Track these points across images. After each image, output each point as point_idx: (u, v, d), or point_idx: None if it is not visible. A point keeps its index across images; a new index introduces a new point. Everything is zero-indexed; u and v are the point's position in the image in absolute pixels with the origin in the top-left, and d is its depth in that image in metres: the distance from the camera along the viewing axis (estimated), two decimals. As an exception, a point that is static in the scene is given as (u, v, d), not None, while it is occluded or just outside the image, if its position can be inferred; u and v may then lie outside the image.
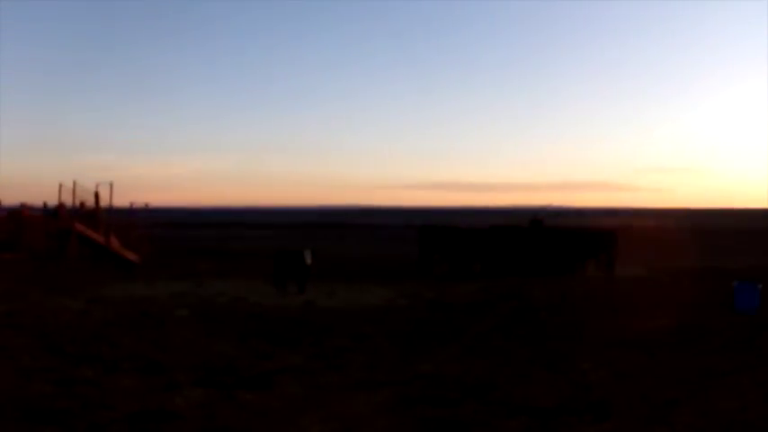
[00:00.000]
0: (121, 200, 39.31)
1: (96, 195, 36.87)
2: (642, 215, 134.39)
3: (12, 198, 39.05)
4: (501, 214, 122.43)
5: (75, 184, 36.17)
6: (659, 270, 33.61)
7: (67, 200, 36.14)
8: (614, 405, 10.08)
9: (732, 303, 20.29)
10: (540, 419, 9.43)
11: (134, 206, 41.08)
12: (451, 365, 12.87)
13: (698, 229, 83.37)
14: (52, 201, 36.63)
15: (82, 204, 36.62)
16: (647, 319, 18.25)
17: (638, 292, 24.58)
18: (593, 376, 12.04)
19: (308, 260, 25.61)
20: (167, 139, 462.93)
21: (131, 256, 35.61)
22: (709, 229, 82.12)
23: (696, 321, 18.04)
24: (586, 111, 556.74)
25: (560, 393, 10.79)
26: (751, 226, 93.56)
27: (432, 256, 34.03)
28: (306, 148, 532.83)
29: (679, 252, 44.35)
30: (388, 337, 15.83)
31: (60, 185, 35.96)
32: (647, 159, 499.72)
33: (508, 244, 33.34)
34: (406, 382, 11.54)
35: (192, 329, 16.70)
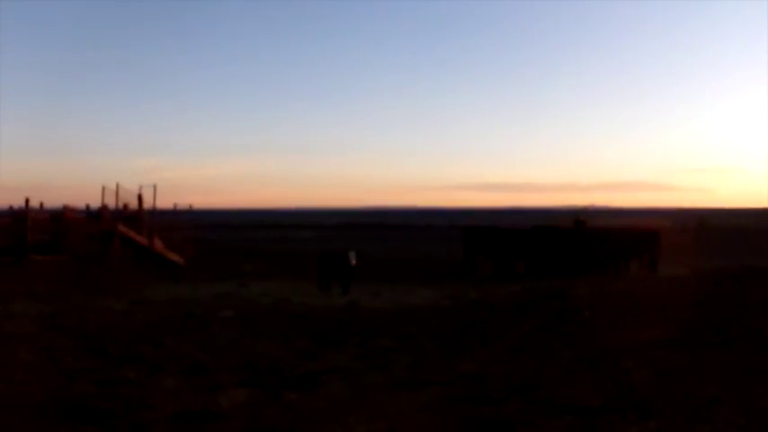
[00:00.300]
0: (165, 202, 39.60)
1: (140, 197, 37.27)
2: (683, 215, 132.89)
3: (54, 200, 39.42)
4: (540, 215, 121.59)
5: (118, 186, 36.67)
6: (701, 269, 33.28)
7: (111, 202, 36.62)
8: (657, 403, 10.03)
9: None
10: (584, 418, 9.40)
11: (178, 208, 41.42)
12: (495, 365, 12.84)
13: (739, 228, 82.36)
14: (95, 203, 37.14)
15: (125, 206, 37.03)
16: (690, 318, 18.09)
17: (680, 292, 24.38)
18: (636, 375, 11.96)
19: (353, 261, 25.69)
20: (205, 141, 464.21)
21: (175, 257, 35.87)
22: (751, 229, 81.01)
23: (738, 320, 17.91)
24: (611, 110, 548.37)
25: (604, 392, 10.74)
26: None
27: (475, 257, 34.03)
28: (340, 148, 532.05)
29: (720, 251, 43.90)
30: (432, 337, 15.83)
31: (103, 188, 36.50)
32: (685, 159, 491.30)
33: (552, 244, 33.21)
34: (450, 381, 11.52)
35: (236, 330, 16.78)
